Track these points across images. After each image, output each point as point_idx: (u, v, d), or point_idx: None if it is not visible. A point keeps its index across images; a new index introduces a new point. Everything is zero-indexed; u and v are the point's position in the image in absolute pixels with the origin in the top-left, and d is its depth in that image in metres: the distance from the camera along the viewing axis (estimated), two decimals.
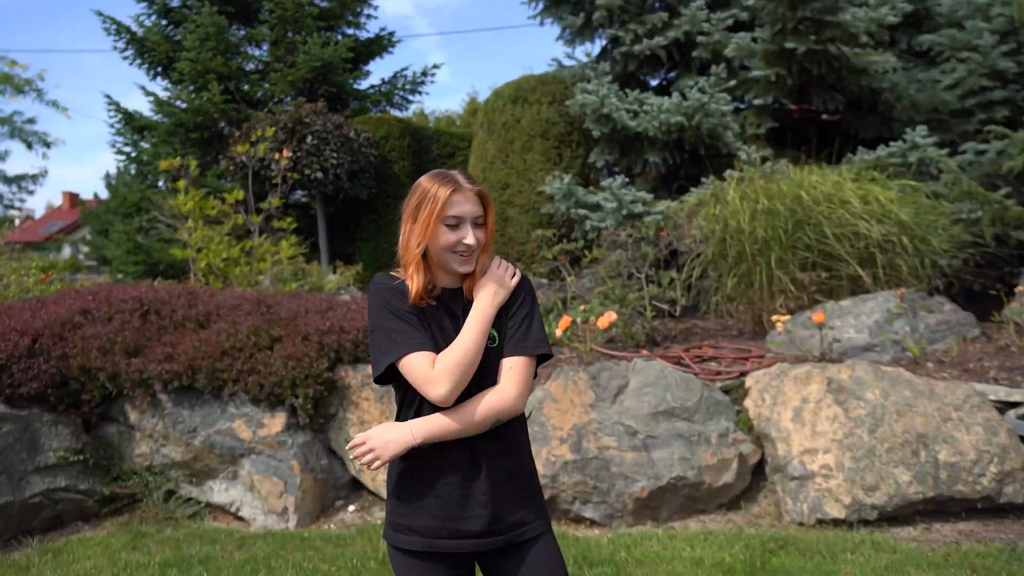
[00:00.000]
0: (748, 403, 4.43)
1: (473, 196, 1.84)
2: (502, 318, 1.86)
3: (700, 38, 7.80)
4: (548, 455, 4.15)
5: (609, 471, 4.11)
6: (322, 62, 11.14)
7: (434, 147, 10.46)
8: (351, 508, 4.48)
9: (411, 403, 1.84)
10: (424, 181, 1.86)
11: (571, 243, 6.42)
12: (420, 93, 12.87)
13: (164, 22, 12.88)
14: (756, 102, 7.48)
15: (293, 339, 4.72)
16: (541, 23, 9.33)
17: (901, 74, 7.33)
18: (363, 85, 13.03)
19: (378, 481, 4.46)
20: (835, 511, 3.84)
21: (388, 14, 65.43)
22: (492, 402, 1.78)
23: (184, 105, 11.60)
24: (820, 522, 3.86)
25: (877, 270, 5.28)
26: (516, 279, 1.90)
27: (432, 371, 1.75)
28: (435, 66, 12.91)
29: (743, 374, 4.63)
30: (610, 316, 5.01)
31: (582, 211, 6.85)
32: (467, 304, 1.86)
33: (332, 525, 4.31)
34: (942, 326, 4.85)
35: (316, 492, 4.44)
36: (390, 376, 1.83)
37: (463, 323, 1.83)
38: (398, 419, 1.87)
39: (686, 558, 3.57)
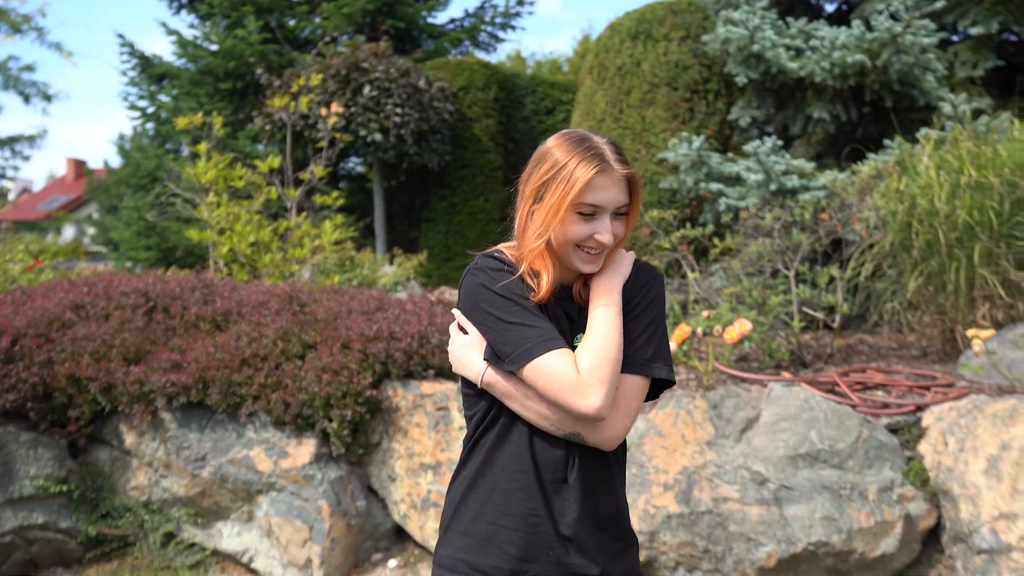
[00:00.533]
0: (924, 448, 4.48)
1: (621, 179, 1.91)
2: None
3: None
4: (647, 506, 4.34)
5: (727, 530, 4.27)
6: None
7: (528, 100, 10.76)
8: (392, 563, 4.81)
9: (491, 426, 1.98)
10: (557, 148, 1.92)
11: (698, 228, 6.56)
12: (514, 28, 13.24)
13: None
14: (973, 31, 7.40)
15: (330, 347, 5.08)
16: None
17: None
18: (440, 19, 13.54)
19: (427, 530, 4.77)
20: None
21: None
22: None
23: (214, 47, 12.34)
24: None
25: None
26: (631, 259, 2.03)
27: (580, 376, 1.82)
28: None
29: (920, 408, 4.67)
30: (743, 327, 5.13)
31: (716, 185, 6.96)
32: (581, 308, 1.99)
33: None
34: None
35: (349, 541, 4.79)
36: (473, 386, 1.98)
37: (579, 328, 1.96)
38: (470, 447, 2.03)
39: None
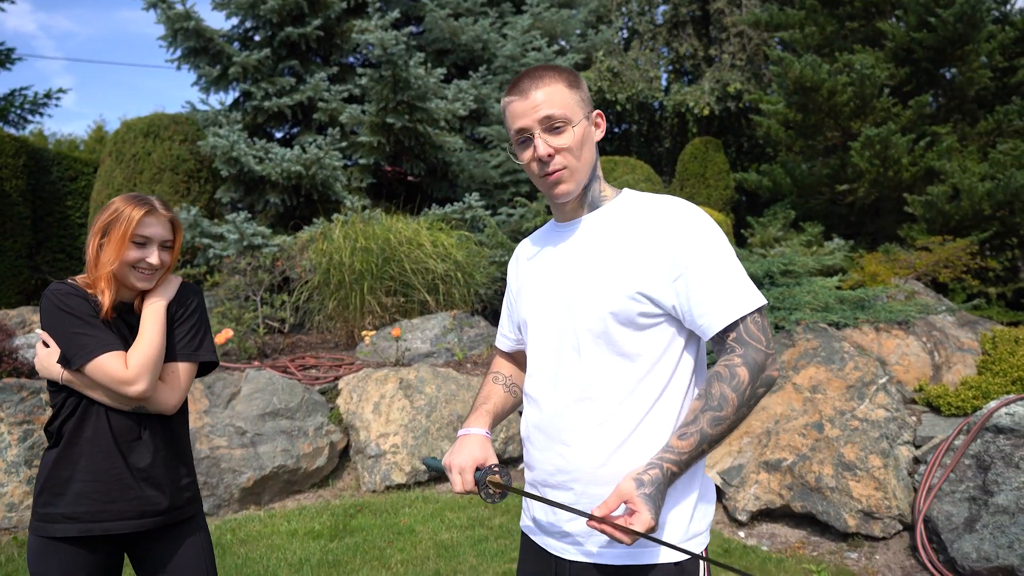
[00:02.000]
0: (340, 401, 4.65)
1: (165, 221, 1.71)
2: (171, 323, 1.75)
3: (321, 104, 7.94)
4: None
5: (220, 467, 4.00)
6: None
7: (55, 169, 8.87)
8: None
9: (74, 411, 1.66)
10: (119, 201, 1.69)
11: (195, 268, 6.04)
12: (42, 114, 10.80)
13: None
14: (361, 161, 7.82)
15: None
16: (179, 67, 8.59)
17: (465, 153, 8.34)
18: None
19: None
20: (399, 478, 4.25)
21: (8, 29, 52.41)
22: (154, 396, 1.68)
23: None
24: (388, 488, 4.23)
25: (439, 296, 5.92)
26: (179, 281, 1.81)
27: (128, 371, 1.61)
28: (60, 90, 10.97)
29: (337, 379, 4.84)
30: (227, 333, 4.85)
31: (207, 240, 6.46)
32: (138, 317, 1.73)
33: None
34: (478, 337, 5.66)
35: None
36: (55, 383, 1.66)
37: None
38: (54, 428, 1.68)
39: (283, 531, 3.64)
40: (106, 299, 1.67)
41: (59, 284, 1.69)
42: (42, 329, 1.70)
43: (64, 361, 1.64)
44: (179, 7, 7.52)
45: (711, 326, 1.23)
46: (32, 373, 4.41)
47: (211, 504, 3.92)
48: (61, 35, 63.17)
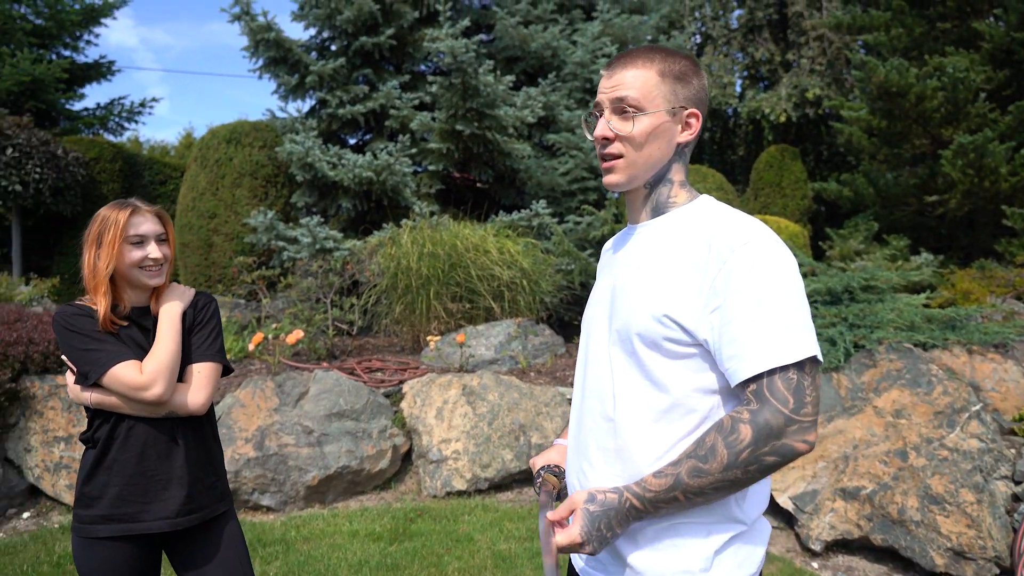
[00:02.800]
0: (404, 405, 4.70)
1: (152, 216, 1.74)
2: (190, 329, 1.79)
3: (392, 111, 8.09)
4: (233, 454, 4.01)
5: (287, 465, 4.10)
6: (32, 78, 9.47)
7: (146, 173, 9.41)
8: (26, 515, 3.87)
9: (106, 418, 1.70)
10: (103, 210, 1.72)
11: (269, 270, 6.25)
12: (137, 122, 11.48)
13: None
14: (430, 168, 7.93)
15: None
16: (260, 77, 8.95)
17: (533, 160, 8.33)
18: (77, 107, 11.28)
19: (59, 487, 3.92)
20: (460, 485, 4.25)
21: (112, 43, 56.74)
22: (179, 398, 1.71)
23: None
24: (449, 494, 4.23)
25: (504, 303, 5.91)
26: (193, 291, 1.85)
27: (143, 377, 1.64)
28: (154, 99, 11.64)
29: (402, 382, 4.89)
30: (297, 333, 4.98)
31: (281, 243, 6.68)
32: (156, 319, 1.76)
33: (2, 534, 3.69)
34: (543, 346, 5.62)
35: None
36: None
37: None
38: (88, 436, 1.72)
39: (345, 531, 3.70)
40: (101, 307, 1.68)
41: (64, 307, 1.73)
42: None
43: (82, 378, 1.67)
44: (261, 19, 7.84)
45: (736, 372, 1.06)
46: None
47: (278, 500, 4.02)
48: (159, 48, 67.58)
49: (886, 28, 8.29)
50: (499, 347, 5.45)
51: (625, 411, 1.14)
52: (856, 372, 3.99)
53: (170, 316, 1.73)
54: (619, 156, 1.18)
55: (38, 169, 7.84)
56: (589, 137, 1.22)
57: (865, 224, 7.75)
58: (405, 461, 4.54)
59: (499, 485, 4.32)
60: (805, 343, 1.04)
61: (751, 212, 9.70)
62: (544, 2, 9.02)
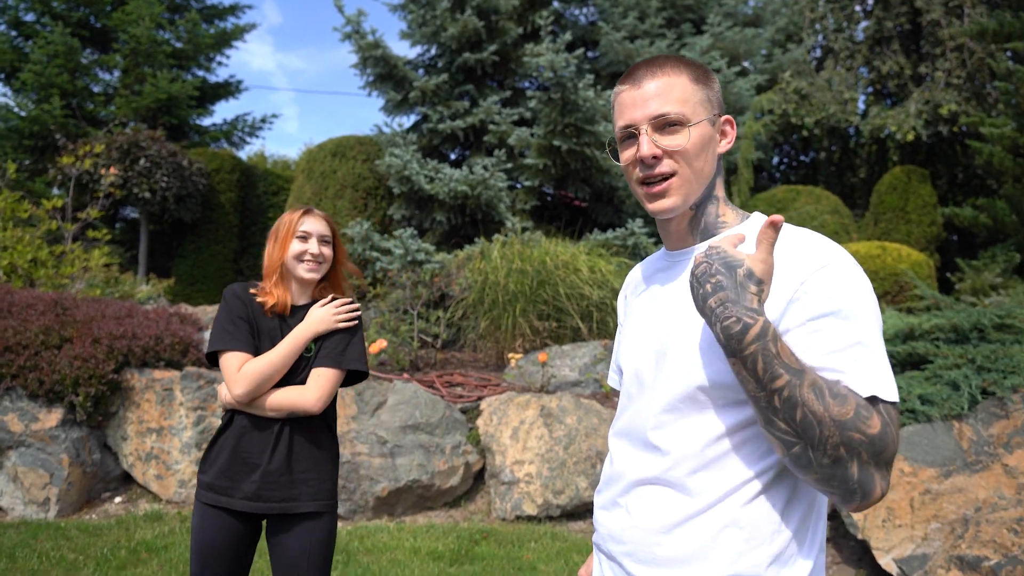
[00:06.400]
0: (480, 422, 4.60)
1: (321, 219, 1.92)
2: (328, 333, 1.87)
3: (491, 126, 8.15)
4: None
5: (358, 473, 4.09)
6: (168, 96, 10.35)
7: (260, 184, 10.01)
8: (118, 500, 4.09)
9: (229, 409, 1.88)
10: (285, 213, 1.94)
11: (363, 280, 6.38)
12: (258, 136, 12.37)
13: (14, 33, 11.37)
14: (526, 183, 7.89)
15: (84, 341, 4.28)
16: (369, 93, 9.32)
17: None
18: (205, 122, 12.24)
19: (148, 476, 4.11)
20: (530, 509, 4.08)
21: (253, 68, 63.84)
22: (290, 396, 1.80)
23: (23, 113, 10.26)
24: (518, 518, 4.07)
25: (592, 324, 5.72)
26: (342, 322, 1.89)
27: (237, 373, 1.76)
28: (274, 115, 12.48)
29: (480, 399, 4.80)
30: (381, 343, 5.01)
31: (375, 253, 6.83)
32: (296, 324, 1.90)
33: (94, 515, 3.91)
34: None
35: (84, 484, 4.01)
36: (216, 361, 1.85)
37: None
38: (224, 418, 1.88)
39: (407, 547, 3.62)
40: (271, 298, 1.85)
41: (235, 284, 1.90)
42: None
43: (208, 344, 1.84)
44: (370, 37, 8.13)
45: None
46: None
47: (347, 508, 4.02)
48: (293, 72, 74.03)
49: None
50: (583, 369, 5.26)
51: (674, 442, 1.02)
52: (983, 423, 3.47)
53: (297, 333, 1.84)
54: (671, 175, 1.04)
55: (165, 178, 8.51)
56: (616, 162, 1.11)
57: (1004, 255, 6.91)
58: (477, 480, 4.43)
59: (571, 513, 4.12)
60: (894, 384, 0.93)
61: (870, 238, 8.93)
62: (652, 16, 8.82)
